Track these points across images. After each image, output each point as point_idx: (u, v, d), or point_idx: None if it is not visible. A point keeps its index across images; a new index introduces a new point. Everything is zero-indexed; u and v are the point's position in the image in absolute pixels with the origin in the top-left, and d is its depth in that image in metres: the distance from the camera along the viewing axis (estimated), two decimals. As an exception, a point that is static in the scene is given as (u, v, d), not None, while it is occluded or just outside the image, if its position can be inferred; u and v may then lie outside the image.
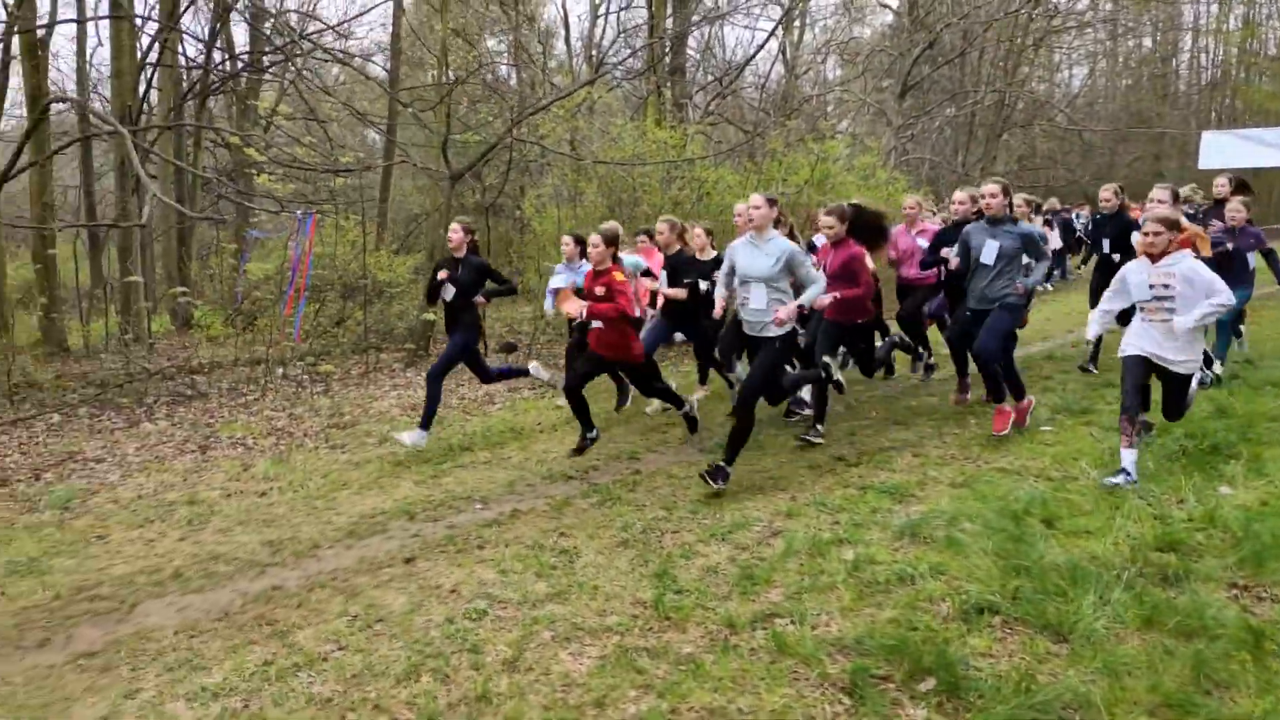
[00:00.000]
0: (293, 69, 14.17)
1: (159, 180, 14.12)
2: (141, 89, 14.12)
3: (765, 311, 5.12)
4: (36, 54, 13.04)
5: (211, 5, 15.36)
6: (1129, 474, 4.68)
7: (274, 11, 15.31)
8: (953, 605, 3.46)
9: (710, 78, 18.19)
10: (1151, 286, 4.77)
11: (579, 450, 5.99)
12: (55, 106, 14.24)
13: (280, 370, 10.41)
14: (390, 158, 14.20)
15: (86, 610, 3.99)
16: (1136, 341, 4.88)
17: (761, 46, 17.65)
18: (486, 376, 6.84)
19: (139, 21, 13.72)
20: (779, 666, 3.12)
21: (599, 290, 5.72)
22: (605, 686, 3.05)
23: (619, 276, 5.65)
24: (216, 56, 15.48)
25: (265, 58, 13.96)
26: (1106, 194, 7.89)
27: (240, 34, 18.36)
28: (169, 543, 4.92)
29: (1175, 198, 7.03)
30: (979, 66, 21.10)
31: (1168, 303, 4.72)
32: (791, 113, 15.67)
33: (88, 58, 17.78)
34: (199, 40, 15.41)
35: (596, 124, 12.80)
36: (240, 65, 14.18)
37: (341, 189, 13.54)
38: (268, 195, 11.32)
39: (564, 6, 34.69)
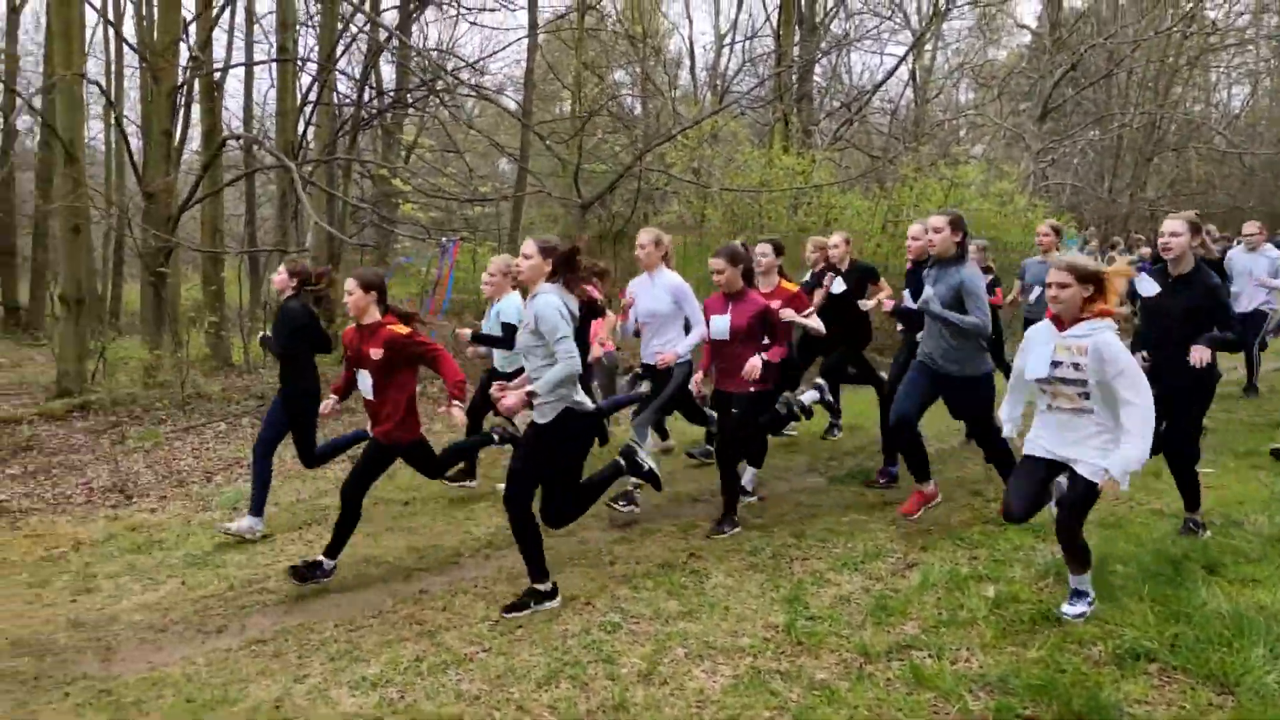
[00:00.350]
0: (434, 104, 15.02)
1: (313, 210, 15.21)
2: (300, 125, 15.31)
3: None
4: (213, 95, 14.36)
5: (365, 46, 16.48)
6: (1087, 597, 3.61)
7: (419, 50, 16.30)
8: (1105, 649, 3.32)
9: (838, 104, 18.08)
10: (1055, 363, 3.51)
11: (300, 574, 4.41)
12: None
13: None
14: (522, 187, 14.78)
15: (257, 601, 4.34)
16: (1035, 435, 3.70)
17: (892, 73, 17.40)
18: (308, 458, 5.65)
19: (299, 63, 14.90)
20: (917, 699, 3.07)
21: (374, 353, 4.40)
22: (739, 705, 3.09)
23: (400, 330, 4.40)
24: (366, 94, 16.59)
25: (410, 94, 14.88)
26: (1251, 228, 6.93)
27: (387, 72, 19.64)
28: (326, 544, 5.28)
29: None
30: (1126, 88, 20.07)
31: (1077, 387, 3.46)
32: (922, 137, 15.36)
33: (253, 98, 19.47)
34: (351, 79, 16.56)
35: (722, 151, 12.95)
36: (388, 101, 15.15)
37: (477, 217, 14.18)
38: (413, 223, 12.01)
39: (689, 38, 35.22)
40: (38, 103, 14.82)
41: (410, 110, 15.55)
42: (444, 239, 10.06)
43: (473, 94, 14.24)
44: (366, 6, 14.89)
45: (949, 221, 4.77)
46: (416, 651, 3.61)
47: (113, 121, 19.61)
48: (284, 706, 3.19)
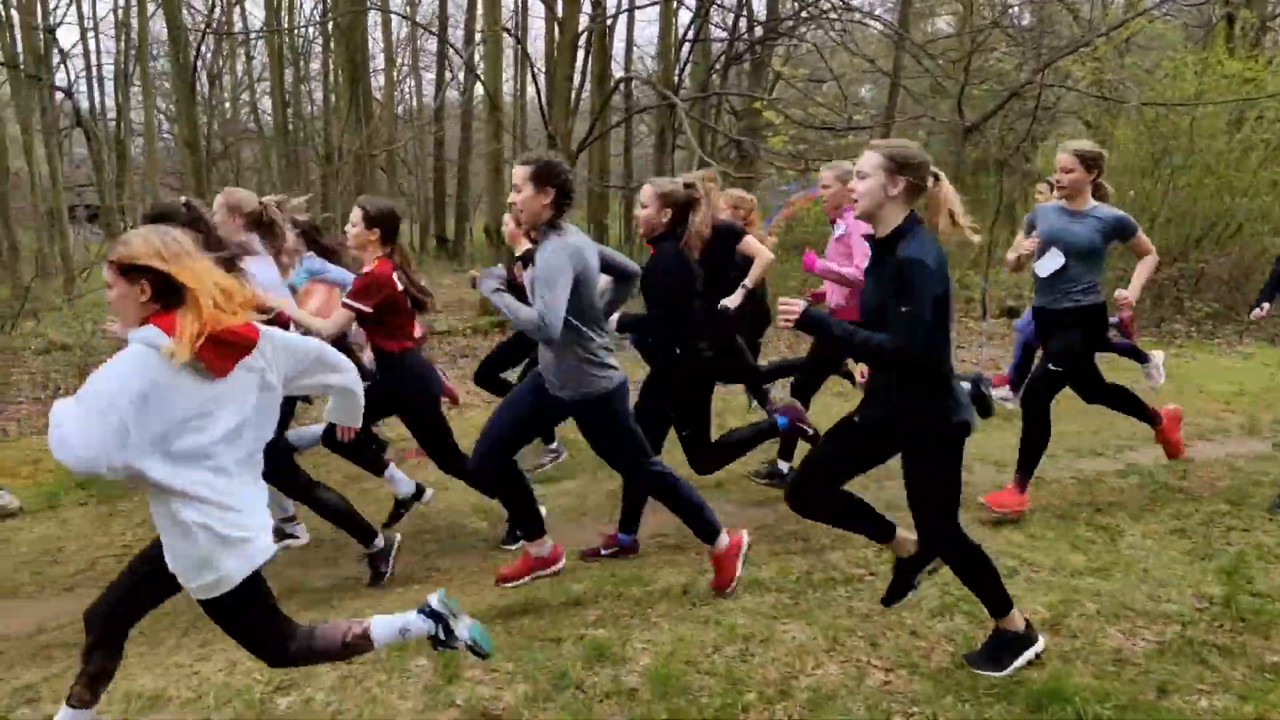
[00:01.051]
0: (804, 30, 14.81)
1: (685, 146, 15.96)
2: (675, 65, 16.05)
3: None
4: (604, 41, 15.53)
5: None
6: None
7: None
8: None
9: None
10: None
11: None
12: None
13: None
14: (892, 114, 14.12)
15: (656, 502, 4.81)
16: None
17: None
18: None
19: (677, 2, 15.55)
20: None
21: None
22: (1166, 673, 2.80)
23: None
24: (740, 27, 16.86)
25: (784, 21, 14.84)
26: None
27: (757, 4, 19.73)
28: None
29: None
30: None
31: None
32: None
33: (632, 41, 20.72)
34: (727, 10, 16.91)
35: (1141, 60, 11.14)
36: (763, 32, 15.27)
37: (843, 148, 13.87)
38: (783, 155, 12.09)
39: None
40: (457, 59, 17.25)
41: (784, 39, 15.53)
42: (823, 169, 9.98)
43: (870, 20, 13.77)
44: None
45: (532, 172, 3.20)
46: (805, 566, 3.77)
47: (515, 71, 22.22)
48: (690, 593, 3.54)
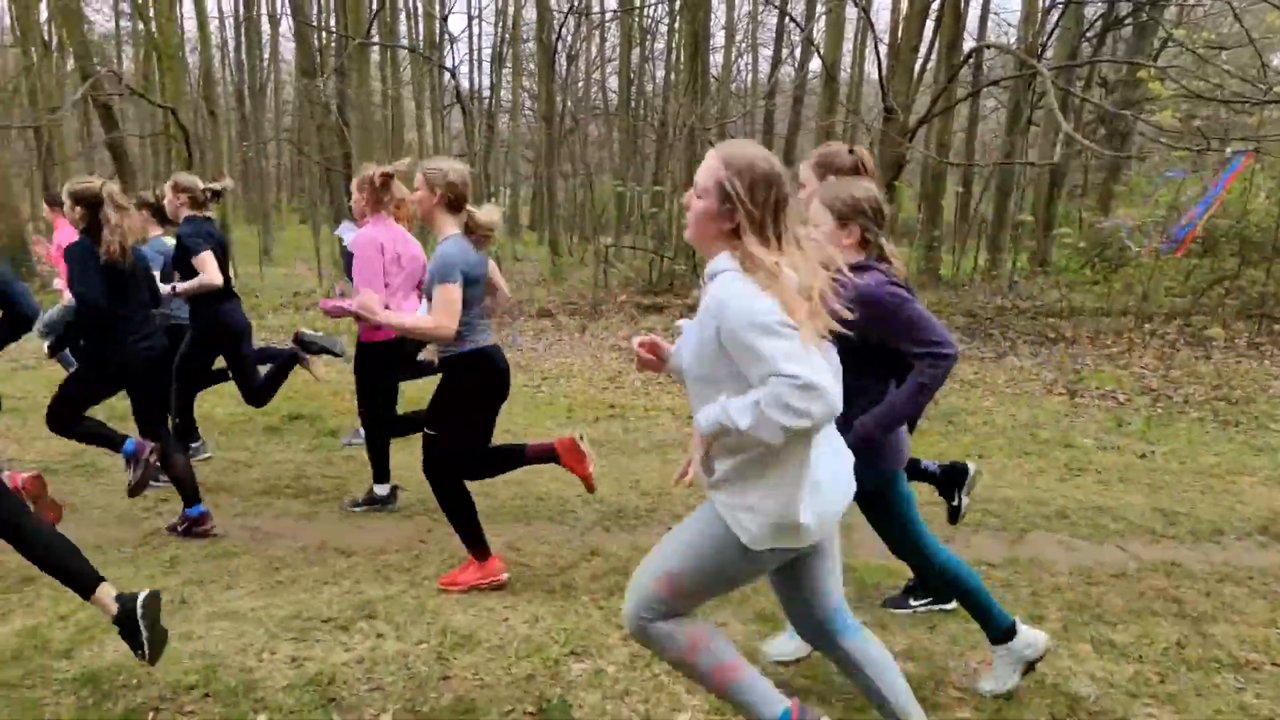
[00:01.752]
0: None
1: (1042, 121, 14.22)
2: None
3: None
4: (958, 8, 14.32)
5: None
6: None
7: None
8: None
9: None
10: None
11: None
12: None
13: (1146, 325, 9.62)
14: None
15: (980, 522, 4.26)
16: None
17: None
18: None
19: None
20: None
21: None
22: None
23: None
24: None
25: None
26: None
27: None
28: (1048, 480, 4.95)
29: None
30: None
31: None
32: None
33: (989, 8, 18.90)
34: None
35: None
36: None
37: (1255, 125, 11.52)
38: (1171, 131, 10.29)
39: None
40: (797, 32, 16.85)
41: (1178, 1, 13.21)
42: (1229, 150, 8.34)
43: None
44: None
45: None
46: (1175, 635, 3.06)
47: (854, 44, 21.36)
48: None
